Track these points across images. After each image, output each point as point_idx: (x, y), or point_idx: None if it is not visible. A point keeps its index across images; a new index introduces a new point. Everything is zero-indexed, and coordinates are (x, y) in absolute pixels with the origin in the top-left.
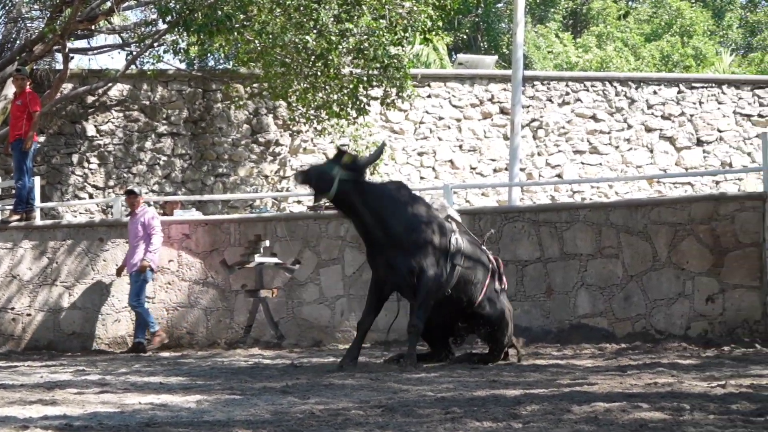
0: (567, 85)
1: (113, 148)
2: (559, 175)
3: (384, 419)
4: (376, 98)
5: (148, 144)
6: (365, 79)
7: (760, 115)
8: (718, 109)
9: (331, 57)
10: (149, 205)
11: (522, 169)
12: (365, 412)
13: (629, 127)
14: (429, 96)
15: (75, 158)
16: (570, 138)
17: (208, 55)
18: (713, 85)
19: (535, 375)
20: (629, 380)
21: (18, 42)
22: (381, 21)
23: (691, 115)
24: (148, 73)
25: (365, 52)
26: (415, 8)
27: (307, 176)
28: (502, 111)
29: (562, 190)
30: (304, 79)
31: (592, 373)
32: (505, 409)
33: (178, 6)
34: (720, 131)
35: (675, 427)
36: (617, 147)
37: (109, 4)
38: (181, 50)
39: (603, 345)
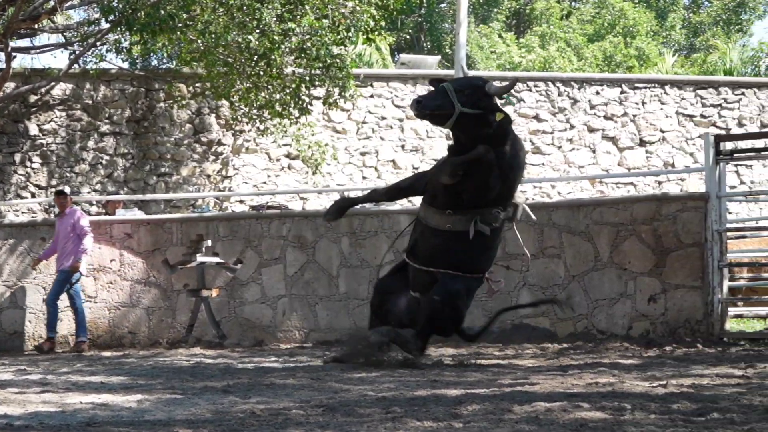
0: None
1: (56, 147)
2: None
3: (325, 419)
4: (318, 98)
5: (91, 143)
6: (308, 78)
7: (702, 116)
8: (661, 109)
9: (273, 57)
10: (81, 204)
11: None
12: (306, 412)
13: (572, 127)
14: (371, 96)
15: (17, 157)
16: None
17: (151, 54)
18: (656, 85)
19: (477, 375)
20: (570, 380)
21: None
22: (324, 21)
23: (634, 116)
24: (91, 72)
25: (308, 51)
26: (357, 8)
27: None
28: None
29: None
30: (246, 78)
31: (534, 373)
32: (446, 408)
33: (120, 5)
34: (663, 131)
35: (616, 427)
36: (560, 147)
37: (52, 3)
38: (124, 49)
39: (545, 345)
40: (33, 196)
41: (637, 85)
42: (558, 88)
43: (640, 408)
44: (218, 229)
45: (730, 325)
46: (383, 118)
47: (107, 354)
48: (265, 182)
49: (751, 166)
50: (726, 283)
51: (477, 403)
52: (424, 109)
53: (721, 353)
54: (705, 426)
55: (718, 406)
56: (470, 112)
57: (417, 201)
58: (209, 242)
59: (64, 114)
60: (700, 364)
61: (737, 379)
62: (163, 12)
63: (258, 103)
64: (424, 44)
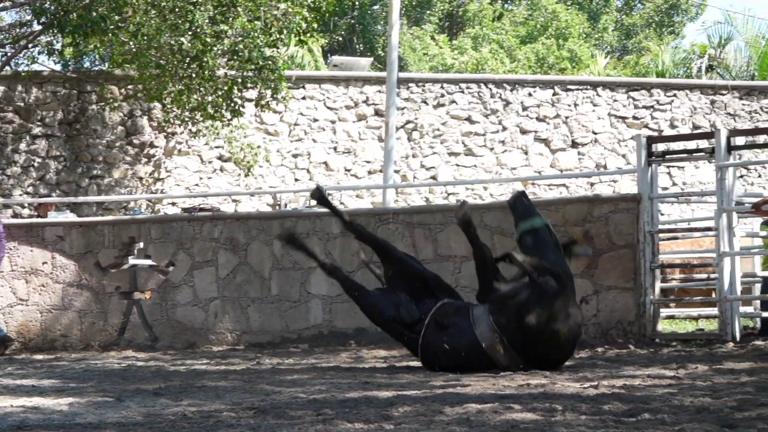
0: (442, 87)
1: None
2: (433, 177)
3: (256, 421)
4: (250, 100)
5: (23, 146)
6: (240, 80)
7: (635, 117)
8: (593, 111)
9: (205, 59)
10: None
11: (396, 171)
12: (237, 414)
13: (504, 128)
14: (304, 98)
15: None
16: (445, 140)
17: (83, 56)
18: (588, 87)
19: (409, 376)
20: (502, 381)
21: None
22: (256, 22)
23: (566, 117)
24: (23, 74)
25: (240, 53)
26: (290, 10)
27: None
28: (377, 113)
29: (436, 192)
30: (178, 80)
31: (466, 375)
32: (377, 410)
33: (52, 7)
34: (595, 133)
35: (546, 428)
36: (492, 149)
37: None
38: (56, 51)
39: None
40: None
41: (569, 86)
42: (490, 89)
43: (571, 409)
44: (150, 231)
45: (662, 326)
46: (315, 120)
47: (39, 357)
48: (197, 184)
49: (683, 167)
50: (658, 285)
51: (408, 404)
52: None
53: (653, 354)
54: (636, 427)
55: (649, 406)
56: None
57: (349, 202)
58: (141, 245)
59: None
60: (631, 365)
61: (669, 379)
62: (95, 14)
63: (190, 105)
64: (357, 46)
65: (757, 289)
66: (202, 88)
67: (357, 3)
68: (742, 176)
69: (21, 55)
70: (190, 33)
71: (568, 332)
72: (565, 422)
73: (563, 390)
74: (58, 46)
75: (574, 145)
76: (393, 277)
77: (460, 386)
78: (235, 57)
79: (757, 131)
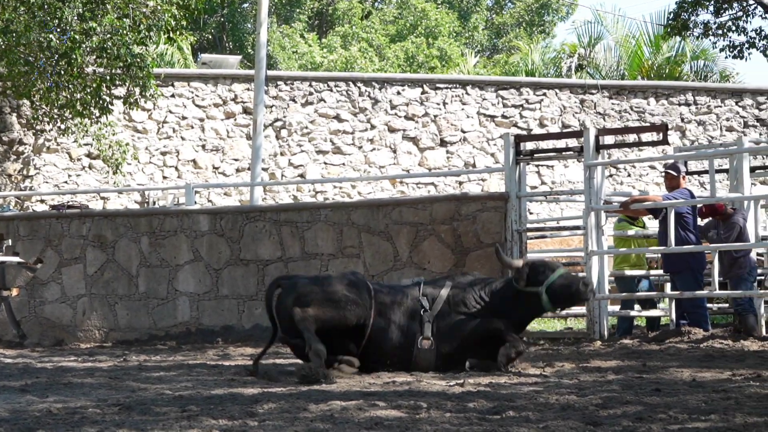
0: (311, 85)
1: None
2: (301, 175)
3: (121, 417)
4: (119, 97)
5: None
6: (108, 78)
7: (504, 116)
8: (462, 109)
9: (74, 56)
10: None
11: (264, 169)
12: (102, 411)
13: (373, 127)
14: (172, 96)
15: None
16: (313, 138)
17: None
18: (457, 86)
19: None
20: (368, 379)
21: None
22: (125, 20)
23: (435, 116)
24: None
25: (108, 51)
26: (159, 7)
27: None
28: (246, 111)
29: (304, 190)
30: (47, 78)
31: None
32: (242, 407)
33: None
34: (464, 132)
35: (410, 425)
36: (360, 147)
37: None
38: None
39: None
40: None
41: (438, 85)
42: (359, 88)
43: (436, 407)
44: (18, 228)
45: (531, 324)
46: (184, 118)
47: None
48: (66, 182)
49: (552, 166)
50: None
51: (273, 401)
52: None
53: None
54: (500, 424)
55: (514, 404)
56: None
57: (217, 200)
58: (9, 242)
59: None
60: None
61: (535, 378)
62: None
63: (59, 102)
64: (227, 44)
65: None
66: (70, 86)
67: (226, 1)
68: (611, 175)
69: None
70: (58, 30)
71: None
72: (430, 420)
73: (429, 388)
74: None
75: (443, 143)
76: None
77: (325, 383)
78: (104, 54)
79: (625, 130)
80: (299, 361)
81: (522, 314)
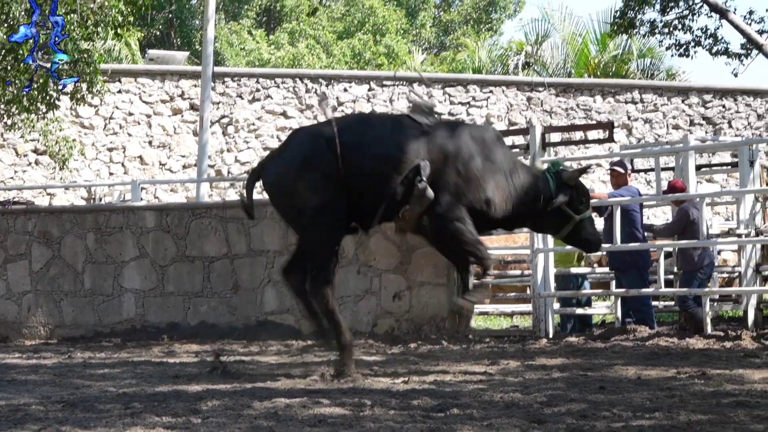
0: (258, 82)
1: None
2: (248, 172)
3: (64, 414)
4: (66, 93)
5: None
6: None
7: (450, 113)
8: (409, 106)
9: (21, 51)
10: None
11: (211, 166)
12: (46, 408)
13: None
14: (119, 91)
15: None
16: (260, 134)
17: None
18: (405, 83)
19: (219, 371)
20: (312, 376)
21: None
22: (72, 15)
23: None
24: None
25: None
26: (106, 3)
27: None
28: (192, 107)
29: None
30: None
31: (277, 369)
32: (186, 404)
33: None
34: None
35: (354, 422)
36: None
37: None
38: None
39: (289, 342)
40: None
41: (385, 82)
42: (306, 84)
43: (380, 404)
44: None
45: (476, 322)
46: (131, 114)
47: None
48: (12, 177)
49: None
50: (472, 281)
51: (217, 398)
52: None
53: (466, 350)
54: (444, 422)
55: (458, 401)
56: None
57: (163, 196)
58: None
59: None
60: (444, 360)
61: (480, 375)
62: None
63: (6, 98)
64: (174, 40)
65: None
66: (17, 81)
67: None
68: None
69: None
70: (5, 25)
71: None
72: (373, 417)
73: (373, 385)
74: None
75: None
76: None
77: (270, 381)
78: (50, 50)
79: (572, 128)
80: None
81: None
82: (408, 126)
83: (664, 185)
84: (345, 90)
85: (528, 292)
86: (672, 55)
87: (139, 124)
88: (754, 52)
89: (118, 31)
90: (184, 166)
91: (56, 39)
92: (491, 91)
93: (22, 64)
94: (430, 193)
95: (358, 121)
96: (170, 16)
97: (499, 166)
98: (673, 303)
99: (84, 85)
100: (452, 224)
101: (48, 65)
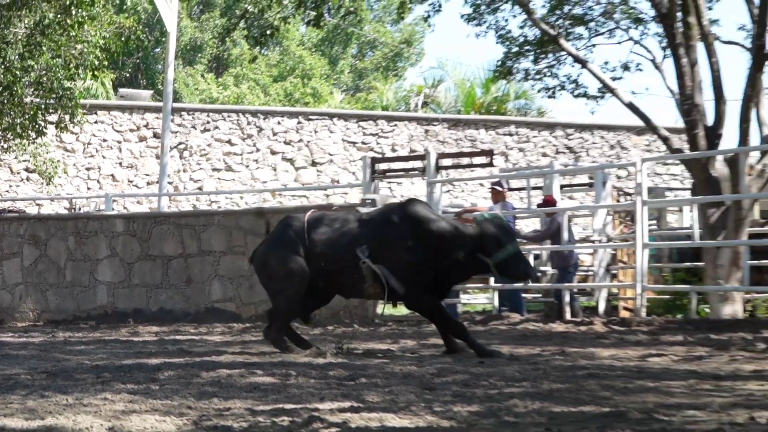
0: (209, 116)
1: None
2: (200, 188)
3: (47, 382)
4: (52, 123)
5: None
6: (44, 107)
7: (363, 142)
8: (330, 137)
9: (15, 88)
10: None
11: (170, 183)
12: (32, 377)
13: (258, 150)
14: (96, 122)
15: None
16: (210, 158)
17: None
18: (326, 117)
19: (173, 347)
20: (250, 351)
21: None
22: (58, 59)
23: (308, 142)
24: None
25: (44, 84)
26: (85, 50)
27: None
28: (155, 135)
29: (202, 200)
30: None
31: (221, 347)
32: (146, 374)
33: None
34: (331, 155)
35: (282, 389)
36: (247, 166)
37: None
38: None
39: (231, 325)
40: None
41: (311, 117)
42: (247, 118)
43: (303, 374)
44: None
45: (382, 309)
46: (105, 140)
47: None
48: (7, 191)
49: (401, 183)
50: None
51: (172, 370)
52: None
53: (373, 332)
54: (354, 389)
55: (366, 373)
56: None
57: (131, 207)
58: None
59: None
60: (355, 340)
61: (383, 352)
62: None
63: (2, 126)
64: (141, 81)
65: None
66: (12, 113)
67: (141, 46)
68: (448, 191)
69: None
70: (3, 67)
71: None
72: (298, 384)
73: (298, 359)
74: None
75: (314, 164)
76: None
77: (215, 355)
78: (40, 87)
79: (460, 155)
80: None
81: None
82: (352, 220)
83: (533, 201)
84: (278, 123)
85: None
86: (542, 97)
87: (111, 148)
88: (608, 95)
89: (95, 72)
90: (148, 183)
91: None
92: (396, 125)
93: (16, 99)
94: (374, 267)
95: (320, 217)
96: (138, 61)
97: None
98: (540, 295)
99: (67, 117)
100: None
101: (39, 100)
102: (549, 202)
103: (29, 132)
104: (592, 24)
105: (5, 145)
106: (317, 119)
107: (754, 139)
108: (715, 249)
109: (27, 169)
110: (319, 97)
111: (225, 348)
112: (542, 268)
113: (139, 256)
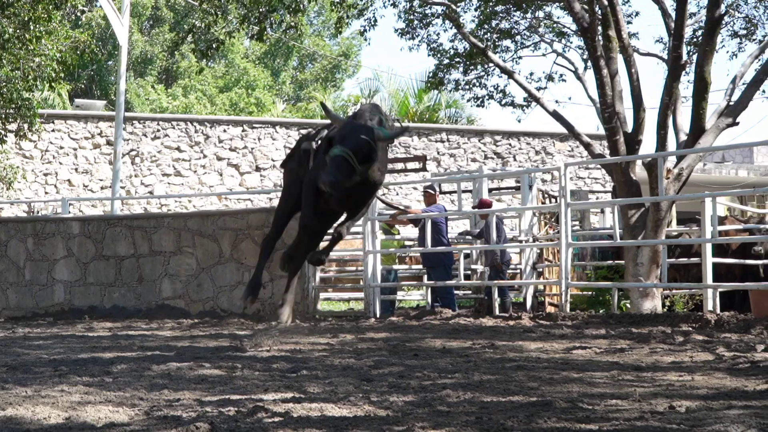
0: (159, 124)
1: None
2: (150, 192)
3: (7, 375)
4: (12, 131)
5: None
6: (3, 116)
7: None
8: (273, 143)
9: None
10: None
11: (122, 187)
12: None
13: (205, 156)
14: (53, 130)
15: None
16: (160, 164)
17: None
18: (269, 126)
19: (126, 342)
20: (198, 345)
21: None
22: (17, 72)
23: (252, 148)
24: None
25: (4, 95)
26: (43, 63)
27: None
28: (108, 143)
29: (153, 204)
30: None
31: (171, 341)
32: (101, 367)
33: None
34: (273, 160)
35: (228, 380)
36: (195, 171)
37: None
38: None
39: (181, 320)
40: None
41: (255, 125)
42: (195, 126)
43: (248, 367)
44: None
45: (322, 306)
46: (62, 148)
47: None
48: None
49: None
50: (318, 275)
51: (125, 363)
52: (335, 185)
53: (314, 327)
54: (296, 380)
55: (307, 365)
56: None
57: (86, 210)
58: None
59: None
60: (297, 334)
61: (324, 345)
62: None
63: None
64: (95, 92)
65: None
66: None
67: (95, 59)
68: (384, 194)
69: None
70: None
71: None
72: (243, 377)
73: (243, 353)
74: None
75: (258, 169)
76: None
77: (166, 349)
78: (0, 98)
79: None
80: None
81: None
82: None
83: (464, 204)
84: (224, 131)
85: (361, 283)
86: (471, 106)
87: (68, 155)
88: (534, 104)
89: (52, 84)
90: (102, 188)
91: None
92: None
93: None
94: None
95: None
96: (92, 73)
97: None
98: (471, 292)
99: (26, 125)
100: None
101: None
102: (484, 203)
103: None
104: (518, 37)
105: None
106: (261, 127)
107: (671, 145)
108: (635, 248)
109: None
110: (263, 107)
111: (175, 342)
112: (473, 266)
113: (93, 257)
